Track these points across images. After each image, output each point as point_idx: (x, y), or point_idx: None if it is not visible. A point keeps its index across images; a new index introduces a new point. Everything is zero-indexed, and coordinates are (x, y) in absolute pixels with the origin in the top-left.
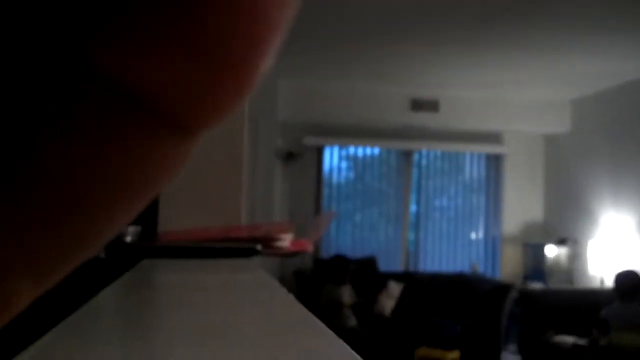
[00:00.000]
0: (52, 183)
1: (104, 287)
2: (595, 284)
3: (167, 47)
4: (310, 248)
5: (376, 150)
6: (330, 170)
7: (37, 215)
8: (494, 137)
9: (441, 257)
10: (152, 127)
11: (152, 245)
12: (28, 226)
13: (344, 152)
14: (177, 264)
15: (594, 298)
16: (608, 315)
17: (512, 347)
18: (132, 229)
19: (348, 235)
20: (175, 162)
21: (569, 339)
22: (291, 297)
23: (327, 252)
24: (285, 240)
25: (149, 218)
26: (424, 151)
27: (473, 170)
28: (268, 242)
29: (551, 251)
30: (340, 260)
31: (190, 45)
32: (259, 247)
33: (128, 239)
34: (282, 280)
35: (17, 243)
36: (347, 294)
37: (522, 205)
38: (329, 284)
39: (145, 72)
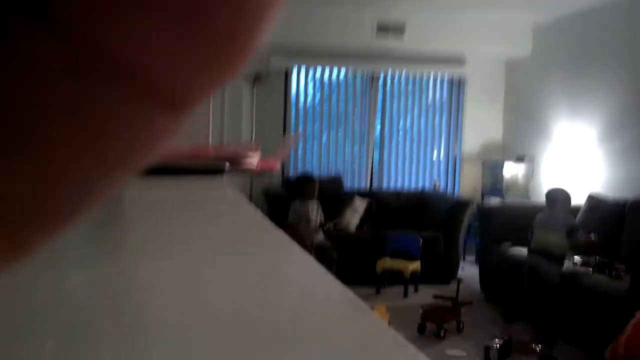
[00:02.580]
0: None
1: None
2: None
3: (155, 17)
4: (277, 166)
5: (342, 73)
6: (297, 92)
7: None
8: (457, 60)
9: (404, 176)
10: (135, 97)
11: None
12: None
13: (310, 74)
14: (147, 181)
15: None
16: (536, 221)
17: (470, 258)
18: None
19: (315, 155)
20: (163, 135)
21: (523, 250)
22: (259, 212)
23: (294, 172)
24: (253, 159)
25: None
26: (389, 73)
27: (436, 93)
28: (236, 161)
29: (509, 169)
30: (306, 177)
31: (181, 16)
32: (227, 165)
33: None
34: (252, 199)
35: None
36: (314, 210)
37: (481, 126)
38: (296, 200)
39: (129, 41)
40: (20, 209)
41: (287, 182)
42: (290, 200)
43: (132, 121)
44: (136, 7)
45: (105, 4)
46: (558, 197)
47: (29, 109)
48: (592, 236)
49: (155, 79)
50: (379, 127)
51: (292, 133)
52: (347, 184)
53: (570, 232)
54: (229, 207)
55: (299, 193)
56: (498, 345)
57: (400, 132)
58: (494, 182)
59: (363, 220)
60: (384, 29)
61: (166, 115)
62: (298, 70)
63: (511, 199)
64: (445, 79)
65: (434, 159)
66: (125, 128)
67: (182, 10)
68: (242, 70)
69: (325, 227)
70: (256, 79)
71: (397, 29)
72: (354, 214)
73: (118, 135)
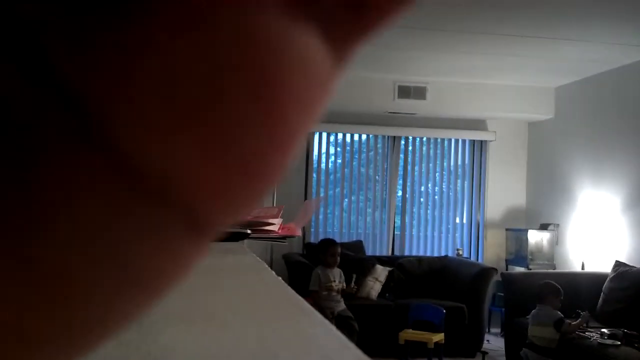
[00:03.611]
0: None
1: None
2: (577, 267)
3: (190, 135)
4: (298, 232)
5: (364, 136)
6: (319, 156)
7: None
8: (478, 123)
9: (426, 241)
10: (166, 219)
11: None
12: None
13: (332, 138)
14: None
15: (575, 281)
16: (530, 315)
17: (495, 329)
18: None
19: (336, 220)
20: (188, 259)
21: None
22: (279, 280)
23: (315, 237)
24: (275, 225)
25: None
26: (410, 137)
27: (458, 156)
28: (257, 226)
29: (533, 236)
30: (329, 243)
31: (216, 138)
32: (248, 231)
33: None
34: (272, 265)
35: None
36: (336, 277)
37: (505, 191)
38: (318, 267)
39: (167, 160)
40: (30, 336)
41: (307, 247)
42: (311, 267)
43: (159, 243)
44: (178, 125)
45: (146, 120)
46: (545, 293)
47: (58, 221)
48: (583, 315)
49: (186, 197)
50: (400, 191)
51: (314, 197)
52: (369, 249)
53: (557, 325)
54: (249, 273)
55: (322, 259)
56: None
57: (422, 197)
58: (518, 250)
59: (385, 288)
60: (405, 92)
61: (193, 238)
62: (319, 134)
63: (536, 267)
64: (467, 142)
65: (457, 224)
66: (150, 249)
67: (214, 127)
68: (269, 192)
69: (352, 287)
70: None
71: (418, 93)
72: (375, 282)
73: (143, 256)
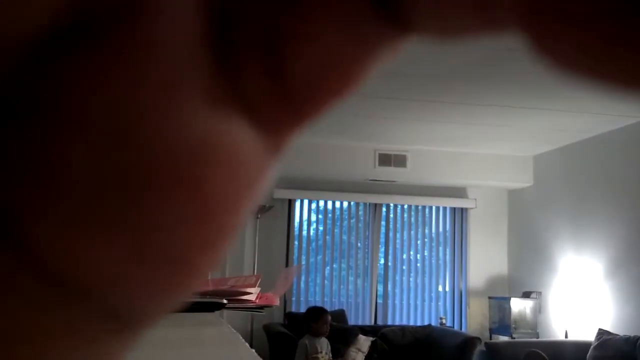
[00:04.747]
0: None
1: None
2: (560, 336)
3: (109, 233)
4: (276, 302)
5: (345, 204)
6: (300, 223)
7: None
8: (459, 191)
9: (409, 310)
10: (83, 318)
11: None
12: None
13: (313, 205)
14: None
15: (559, 350)
16: None
17: None
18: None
19: (318, 289)
20: (111, 356)
21: None
22: (253, 353)
23: (297, 306)
24: (252, 294)
25: None
26: (391, 204)
27: (439, 223)
28: (234, 295)
29: (516, 304)
30: (318, 310)
31: (131, 235)
32: (224, 301)
33: None
34: (252, 335)
35: None
36: (324, 348)
37: (486, 258)
38: (305, 337)
39: (77, 260)
40: None
41: (288, 317)
42: (292, 337)
43: (76, 342)
44: (93, 230)
45: (59, 226)
46: None
47: None
48: None
49: (111, 299)
50: (382, 259)
51: (294, 265)
52: (351, 319)
53: None
54: (223, 346)
55: (312, 328)
56: None
57: (405, 265)
58: (501, 318)
59: (367, 358)
60: (385, 160)
61: (115, 335)
62: (301, 202)
63: (520, 336)
64: (448, 209)
65: (440, 291)
66: (71, 347)
67: (133, 229)
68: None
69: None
70: (260, 209)
71: (398, 161)
72: (358, 353)
73: (64, 353)
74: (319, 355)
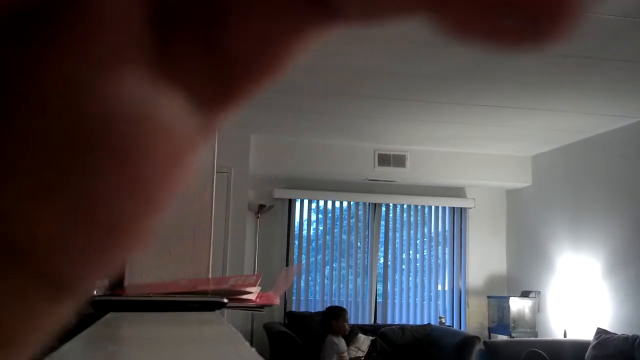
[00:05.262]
0: None
1: (66, 341)
2: (559, 335)
3: (45, 199)
4: (276, 301)
5: (345, 204)
6: (300, 223)
7: None
8: (458, 191)
9: (409, 309)
10: (22, 281)
11: (118, 298)
12: None
13: (313, 205)
14: (143, 317)
15: (558, 349)
16: None
17: None
18: (98, 282)
19: (318, 287)
20: (47, 319)
21: None
22: (254, 352)
23: (297, 305)
24: (252, 294)
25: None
26: (391, 204)
27: (438, 223)
28: (234, 295)
29: (515, 304)
30: (340, 308)
31: (74, 203)
32: (225, 300)
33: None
34: (253, 334)
35: None
36: (344, 346)
37: (485, 258)
38: (329, 335)
39: (18, 225)
40: None
41: (289, 316)
42: (292, 337)
43: (16, 304)
44: (25, 193)
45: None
46: None
47: None
48: None
49: (46, 263)
50: (382, 258)
51: (294, 264)
52: (351, 318)
53: None
54: (224, 346)
55: (333, 327)
56: None
57: (404, 264)
58: (500, 317)
59: (367, 358)
60: (385, 160)
61: (53, 299)
62: (301, 201)
63: (519, 335)
64: (447, 209)
65: (439, 291)
66: (7, 309)
67: (70, 194)
68: (129, 255)
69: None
70: (260, 209)
71: (398, 161)
72: (358, 352)
73: (4, 317)
74: (345, 354)
